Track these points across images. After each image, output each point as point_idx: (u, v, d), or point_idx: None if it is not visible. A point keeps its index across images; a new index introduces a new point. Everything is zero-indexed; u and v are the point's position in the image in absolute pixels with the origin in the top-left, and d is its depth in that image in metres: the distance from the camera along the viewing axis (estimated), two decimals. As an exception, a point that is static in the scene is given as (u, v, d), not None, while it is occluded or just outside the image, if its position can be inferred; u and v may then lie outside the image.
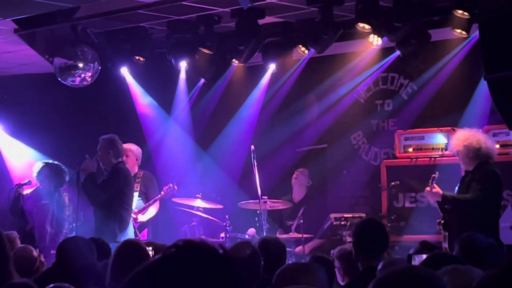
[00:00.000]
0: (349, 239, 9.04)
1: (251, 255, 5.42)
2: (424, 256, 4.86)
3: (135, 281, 1.78)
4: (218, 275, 1.75)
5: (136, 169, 10.42)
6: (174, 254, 1.77)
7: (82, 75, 10.63)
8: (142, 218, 10.26)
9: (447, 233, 8.17)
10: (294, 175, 10.70)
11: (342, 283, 6.14)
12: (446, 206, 8.25)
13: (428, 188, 8.36)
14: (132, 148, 10.32)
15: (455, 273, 3.83)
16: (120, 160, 9.45)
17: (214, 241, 9.87)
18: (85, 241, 6.03)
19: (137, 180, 10.34)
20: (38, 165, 10.16)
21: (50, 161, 10.28)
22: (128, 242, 5.46)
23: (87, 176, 9.26)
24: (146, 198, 10.36)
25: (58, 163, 10.26)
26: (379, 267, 5.10)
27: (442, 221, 8.27)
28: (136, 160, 10.41)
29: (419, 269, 2.33)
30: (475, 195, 8.01)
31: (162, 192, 10.25)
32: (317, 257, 5.74)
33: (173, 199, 10.49)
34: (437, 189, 8.25)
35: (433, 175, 8.39)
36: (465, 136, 8.26)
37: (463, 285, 3.62)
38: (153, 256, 5.59)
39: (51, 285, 3.90)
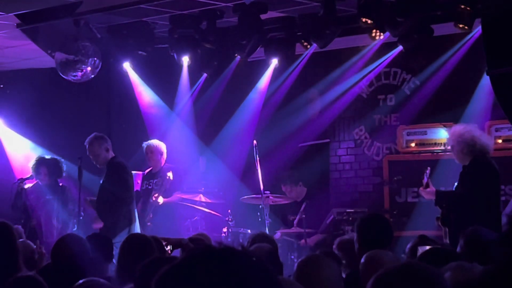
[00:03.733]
0: (352, 234, 9.04)
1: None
2: (428, 248, 4.87)
3: (164, 280, 1.75)
4: (245, 275, 1.73)
5: (162, 163, 10.40)
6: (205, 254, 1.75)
7: (83, 70, 10.63)
8: (161, 200, 10.25)
9: (447, 229, 8.14)
10: (288, 195, 10.61)
11: (343, 275, 6.11)
12: (443, 204, 8.20)
13: (422, 188, 8.33)
14: (153, 146, 10.37)
15: (459, 270, 3.81)
16: (113, 154, 9.41)
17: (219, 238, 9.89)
18: (78, 237, 6.07)
19: (160, 174, 10.34)
20: (33, 162, 10.16)
21: (45, 156, 10.28)
22: (134, 236, 5.47)
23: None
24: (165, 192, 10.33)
25: (53, 155, 10.26)
26: (362, 260, 5.08)
27: (440, 217, 8.23)
28: (161, 155, 10.40)
29: (419, 265, 2.33)
30: (468, 189, 7.96)
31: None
32: (327, 252, 5.72)
33: (176, 194, 10.50)
34: (430, 187, 8.21)
35: (426, 171, 8.36)
36: (459, 132, 8.19)
37: (466, 282, 3.61)
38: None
39: (85, 279, 3.90)
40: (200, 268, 1.73)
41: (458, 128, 8.37)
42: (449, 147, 9.21)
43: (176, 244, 5.57)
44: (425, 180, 8.23)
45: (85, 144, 9.39)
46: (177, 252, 6.02)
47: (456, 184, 8.33)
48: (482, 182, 7.95)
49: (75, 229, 9.55)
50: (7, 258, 4.97)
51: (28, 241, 6.83)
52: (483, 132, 8.60)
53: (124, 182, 9.26)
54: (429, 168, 8.43)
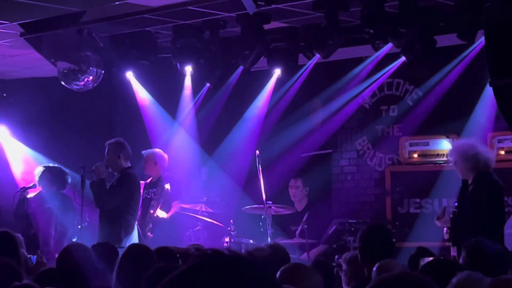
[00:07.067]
0: (354, 244, 9.03)
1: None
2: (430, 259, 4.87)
3: None
4: (252, 283, 1.74)
5: (160, 172, 10.38)
6: (204, 263, 1.76)
7: (85, 80, 10.65)
8: (162, 214, 10.24)
9: (456, 247, 8.06)
10: (291, 193, 10.63)
11: (346, 287, 6.12)
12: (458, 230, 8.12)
13: (436, 220, 8.23)
14: (147, 154, 10.37)
15: (468, 282, 3.79)
16: (130, 164, 9.44)
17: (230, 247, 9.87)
18: (83, 247, 6.07)
19: (159, 184, 10.33)
20: (39, 169, 10.18)
21: (51, 165, 10.30)
22: (135, 246, 5.46)
23: (97, 181, 9.24)
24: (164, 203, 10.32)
25: (59, 165, 10.28)
26: (374, 269, 5.10)
27: (450, 237, 8.15)
28: (155, 164, 10.38)
29: (414, 275, 2.33)
30: (478, 210, 7.89)
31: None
32: (317, 261, 5.76)
33: (177, 203, 10.49)
34: (445, 217, 8.12)
35: (444, 206, 8.29)
36: (462, 149, 8.11)
37: None
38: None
39: None
40: (210, 274, 1.73)
41: (461, 144, 8.27)
42: (451, 162, 9.19)
43: (181, 254, 5.58)
44: (446, 216, 8.11)
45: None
46: None
47: (457, 199, 8.26)
48: (490, 202, 7.89)
49: (74, 239, 9.55)
50: (10, 267, 4.97)
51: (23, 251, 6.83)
52: (485, 146, 8.54)
53: (129, 194, 9.27)
54: (445, 205, 8.35)
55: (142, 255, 5.12)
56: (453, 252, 8.01)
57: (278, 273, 4.48)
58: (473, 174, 7.94)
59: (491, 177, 7.97)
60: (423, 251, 5.79)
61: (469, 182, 8.03)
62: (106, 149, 9.45)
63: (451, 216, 8.08)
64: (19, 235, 7.64)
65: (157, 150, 10.56)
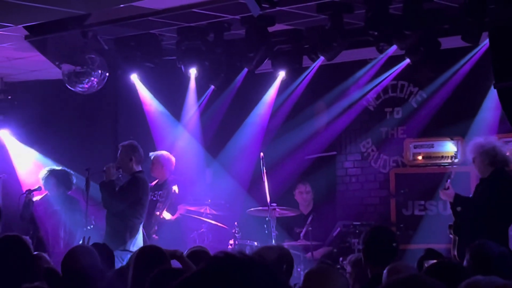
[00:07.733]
0: (358, 246, 9.04)
1: (278, 258, 5.48)
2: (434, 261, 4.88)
3: None
4: (263, 285, 1.75)
5: (166, 175, 10.39)
6: (215, 266, 1.76)
7: (90, 82, 10.66)
8: (168, 216, 10.25)
9: (457, 238, 8.12)
10: (301, 198, 10.63)
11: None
12: (457, 208, 8.20)
13: (441, 190, 8.34)
14: (155, 157, 10.38)
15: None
16: (140, 168, 9.43)
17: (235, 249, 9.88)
18: (87, 249, 6.08)
19: (165, 186, 10.33)
20: (44, 172, 10.18)
21: (55, 167, 10.31)
22: (148, 248, 5.47)
23: (107, 182, 9.23)
24: (170, 205, 10.35)
25: (63, 167, 10.28)
26: (384, 272, 5.11)
27: (453, 225, 8.21)
28: (162, 167, 10.39)
29: (424, 278, 2.33)
30: (486, 200, 7.96)
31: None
32: (329, 264, 5.75)
33: (183, 206, 10.50)
34: (451, 189, 8.23)
35: (451, 175, 8.38)
36: (480, 143, 8.25)
37: None
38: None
39: None
40: (222, 276, 1.74)
41: (479, 140, 8.41)
42: (458, 160, 9.23)
43: (170, 255, 5.58)
44: (448, 183, 8.24)
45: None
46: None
47: (471, 196, 8.31)
48: (501, 196, 7.95)
49: (81, 241, 9.56)
50: (22, 271, 4.98)
51: (44, 254, 6.84)
52: (503, 144, 8.62)
53: (137, 198, 9.26)
54: (452, 172, 8.45)
55: (156, 256, 5.13)
56: (453, 250, 8.04)
57: (304, 275, 4.50)
58: (491, 170, 8.04)
59: (508, 175, 8.05)
60: (432, 253, 5.78)
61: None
62: (119, 151, 9.44)
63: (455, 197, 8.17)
64: (27, 237, 7.69)
65: (164, 152, 10.57)
